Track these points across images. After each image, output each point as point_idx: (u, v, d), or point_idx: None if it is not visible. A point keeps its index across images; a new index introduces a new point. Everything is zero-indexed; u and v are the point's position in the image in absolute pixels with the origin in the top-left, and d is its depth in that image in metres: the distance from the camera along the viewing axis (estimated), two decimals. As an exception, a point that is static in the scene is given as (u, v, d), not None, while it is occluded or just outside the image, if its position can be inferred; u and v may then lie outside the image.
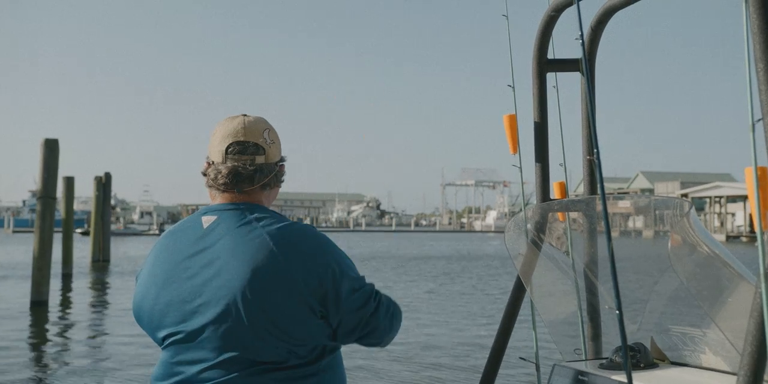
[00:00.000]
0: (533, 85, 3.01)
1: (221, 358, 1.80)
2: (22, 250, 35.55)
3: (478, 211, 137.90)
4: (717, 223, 61.97)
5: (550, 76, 3.06)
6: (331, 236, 2.07)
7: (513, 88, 3.13)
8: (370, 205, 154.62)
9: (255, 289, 1.78)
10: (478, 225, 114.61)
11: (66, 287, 19.90)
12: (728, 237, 57.07)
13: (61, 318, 14.27)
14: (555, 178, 3.05)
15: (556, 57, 3.06)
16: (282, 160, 2.05)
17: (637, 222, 2.66)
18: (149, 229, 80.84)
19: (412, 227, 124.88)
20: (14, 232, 78.80)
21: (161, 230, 65.34)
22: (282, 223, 1.89)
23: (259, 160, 1.96)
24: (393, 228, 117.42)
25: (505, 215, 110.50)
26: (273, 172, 2.00)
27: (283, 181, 2.05)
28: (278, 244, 1.83)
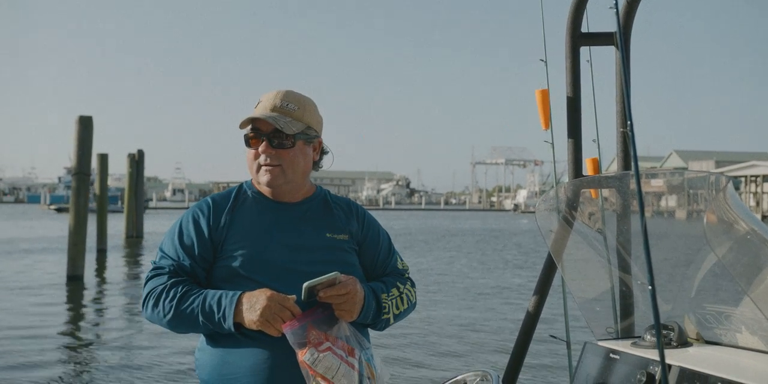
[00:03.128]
0: (566, 60, 2.94)
1: None
2: (58, 225, 36.19)
3: (508, 189, 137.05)
4: (753, 203, 60.93)
5: (584, 51, 2.99)
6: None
7: (545, 62, 3.07)
8: (400, 183, 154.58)
9: None
10: (508, 204, 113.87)
11: (101, 262, 20.24)
12: (764, 217, 56.08)
13: (97, 292, 14.53)
14: (587, 154, 3.00)
15: (590, 31, 2.98)
16: None
17: (672, 199, 2.60)
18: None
19: (442, 206, 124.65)
20: (50, 207, 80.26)
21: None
22: None
23: None
24: (422, 206, 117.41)
25: (536, 194, 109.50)
26: None
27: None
28: None
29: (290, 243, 2.19)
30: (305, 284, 2.02)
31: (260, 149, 2.17)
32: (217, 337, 2.13)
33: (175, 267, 2.15)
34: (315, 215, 2.28)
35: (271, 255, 2.15)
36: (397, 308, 2.27)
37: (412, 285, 2.40)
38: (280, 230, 2.21)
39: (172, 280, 2.12)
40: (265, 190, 2.25)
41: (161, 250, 2.21)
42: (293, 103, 2.20)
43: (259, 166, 2.19)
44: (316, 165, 2.31)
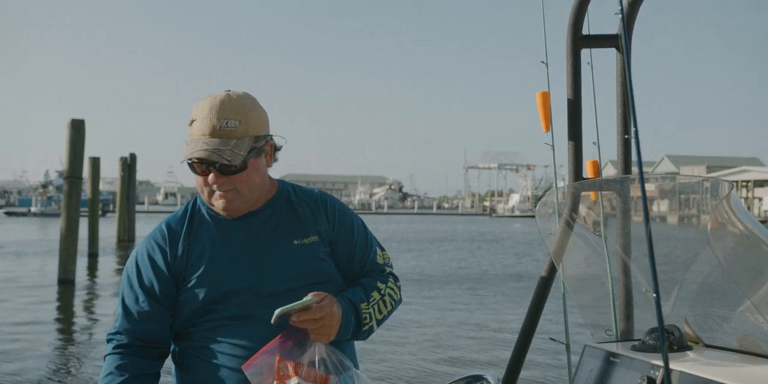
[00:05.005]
0: (567, 62, 2.94)
1: None
2: (50, 229, 36.04)
3: (500, 194, 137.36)
4: (743, 208, 61.24)
5: (584, 53, 2.99)
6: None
7: (546, 64, 3.07)
8: (393, 187, 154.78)
9: None
10: (500, 208, 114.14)
11: (92, 266, 20.15)
12: (755, 222, 56.22)
13: (88, 296, 14.45)
14: (587, 157, 2.99)
15: (586, 34, 2.98)
16: None
17: (674, 204, 2.60)
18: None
19: (435, 210, 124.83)
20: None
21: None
22: None
23: None
24: (415, 210, 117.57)
25: (528, 199, 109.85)
26: None
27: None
28: None
29: (255, 262, 2.01)
30: (276, 311, 1.82)
31: (210, 180, 1.95)
32: (187, 365, 2.03)
33: (132, 330, 2.00)
34: (278, 222, 2.06)
35: (235, 280, 1.98)
36: (380, 313, 2.08)
37: (395, 280, 2.18)
38: (242, 249, 2.02)
39: (113, 368, 1.97)
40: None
41: (121, 300, 2.05)
42: (232, 118, 1.92)
43: (212, 192, 1.98)
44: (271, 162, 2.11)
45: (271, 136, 2.05)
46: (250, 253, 2.02)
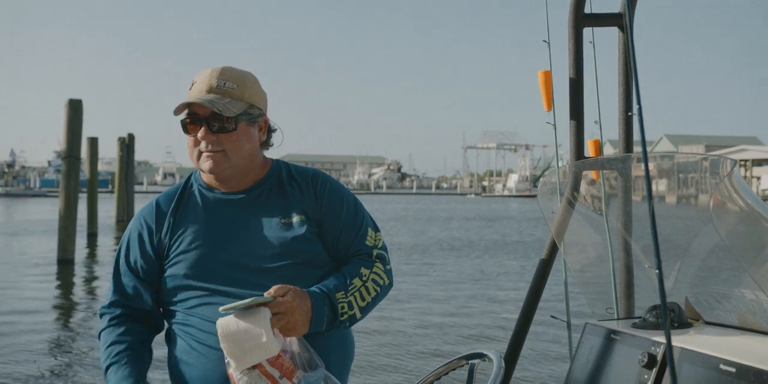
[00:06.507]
0: (569, 41, 2.92)
1: None
2: (48, 209, 36.04)
3: (499, 174, 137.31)
4: (742, 187, 61.20)
5: (586, 32, 2.98)
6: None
7: (548, 43, 3.06)
8: (391, 167, 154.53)
9: None
10: (499, 188, 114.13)
11: (92, 246, 20.19)
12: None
13: (87, 276, 14.51)
14: (588, 136, 2.99)
15: (588, 12, 2.97)
16: None
17: (674, 182, 2.60)
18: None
19: (433, 190, 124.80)
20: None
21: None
22: None
23: None
24: (414, 191, 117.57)
25: (527, 179, 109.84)
26: None
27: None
28: None
29: (239, 240, 2.01)
30: (221, 309, 1.78)
31: (199, 135, 1.97)
32: (173, 342, 2.07)
33: (123, 304, 2.08)
34: (266, 201, 2.07)
35: (216, 258, 2.00)
36: (363, 300, 2.01)
37: (384, 263, 2.10)
38: (226, 227, 2.03)
39: (113, 337, 2.04)
40: (210, 179, 2.08)
41: (112, 275, 2.12)
42: (231, 80, 2.00)
43: (200, 153, 2.00)
44: (265, 144, 2.12)
45: (265, 114, 2.12)
46: (233, 231, 2.03)
